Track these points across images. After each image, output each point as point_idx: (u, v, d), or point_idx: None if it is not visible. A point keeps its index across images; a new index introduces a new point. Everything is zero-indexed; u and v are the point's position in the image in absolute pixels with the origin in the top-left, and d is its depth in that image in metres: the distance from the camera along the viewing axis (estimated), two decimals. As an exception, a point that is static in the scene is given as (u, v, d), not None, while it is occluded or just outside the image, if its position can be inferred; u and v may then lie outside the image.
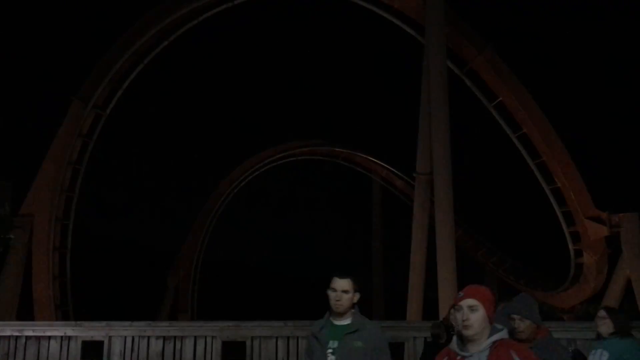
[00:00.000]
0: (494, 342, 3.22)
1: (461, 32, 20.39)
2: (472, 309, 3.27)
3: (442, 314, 14.57)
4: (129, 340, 9.68)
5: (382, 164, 32.52)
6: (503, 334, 3.29)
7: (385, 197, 33.65)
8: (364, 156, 32.50)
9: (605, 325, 5.21)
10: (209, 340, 9.57)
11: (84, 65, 22.21)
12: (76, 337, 9.78)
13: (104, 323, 9.86)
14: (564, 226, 20.81)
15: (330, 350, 3.97)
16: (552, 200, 20.68)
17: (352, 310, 4.14)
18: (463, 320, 3.27)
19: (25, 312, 18.75)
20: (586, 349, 8.25)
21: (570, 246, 21.10)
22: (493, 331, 3.27)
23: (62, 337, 9.82)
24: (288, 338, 9.42)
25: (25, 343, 9.86)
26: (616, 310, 5.82)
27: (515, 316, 4.50)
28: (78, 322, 10.33)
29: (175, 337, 9.63)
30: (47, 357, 9.73)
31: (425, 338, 9.26)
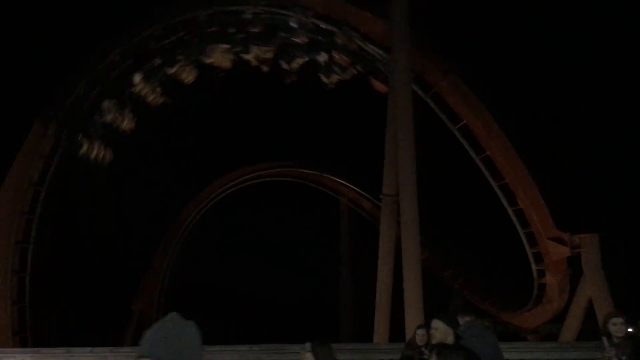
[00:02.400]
0: None
1: (426, 57, 20.79)
2: None
3: (409, 335, 14.59)
4: (89, 367, 9.43)
5: (349, 185, 32.71)
6: None
7: (352, 219, 33.78)
8: (332, 178, 32.65)
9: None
10: (172, 365, 9.35)
11: (46, 85, 21.88)
12: (34, 364, 9.48)
13: (63, 349, 9.60)
14: (527, 247, 21.17)
15: None
16: (515, 221, 21.05)
17: None
18: None
19: (-20, 339, 18.09)
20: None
21: (533, 266, 21.46)
22: None
23: (19, 364, 9.51)
24: (254, 362, 9.31)
25: (-20, 371, 9.51)
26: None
27: None
28: (36, 349, 10.04)
29: (137, 363, 9.39)
30: (3, 386, 9.40)
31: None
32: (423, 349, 7.65)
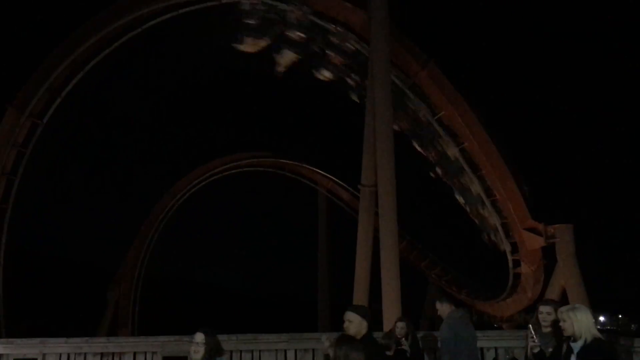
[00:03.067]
0: None
1: (405, 48, 20.81)
2: None
3: (387, 325, 14.68)
4: (64, 357, 9.30)
5: (327, 175, 32.72)
6: None
7: (330, 209, 33.81)
8: (310, 168, 32.61)
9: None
10: (149, 356, 9.31)
11: (21, 73, 21.44)
12: (8, 354, 9.32)
13: (37, 340, 9.44)
14: (502, 237, 21.41)
15: None
16: (492, 211, 21.27)
17: None
18: None
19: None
20: (522, 357, 8.49)
21: (509, 256, 21.72)
22: None
23: (-8, 355, 9.35)
24: (231, 352, 9.27)
25: (-49, 362, 9.34)
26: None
27: None
28: (10, 340, 9.86)
29: (113, 354, 9.31)
30: (-25, 377, 9.24)
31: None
32: (402, 340, 7.77)
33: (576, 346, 5.13)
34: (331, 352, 4.61)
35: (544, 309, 6.32)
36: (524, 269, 21.31)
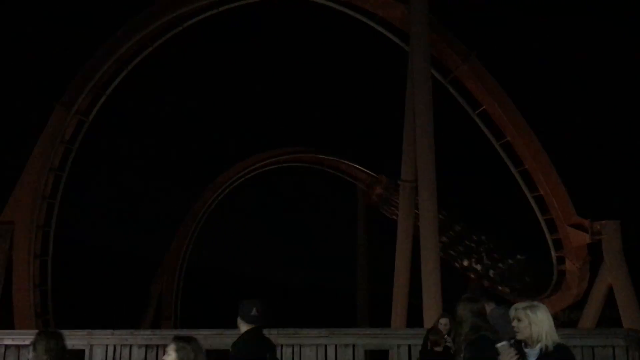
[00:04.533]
0: None
1: (445, 41, 20.54)
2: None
3: (427, 321, 14.58)
4: (110, 348, 9.55)
5: (366, 171, 32.62)
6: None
7: (369, 205, 33.72)
8: (349, 163, 32.58)
9: None
10: (192, 348, 9.46)
11: (67, 72, 22.03)
12: (57, 346, 9.61)
13: (85, 331, 9.72)
14: (546, 233, 20.98)
15: None
16: (534, 207, 20.85)
17: None
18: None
19: (4, 321, 18.44)
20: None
21: (553, 253, 21.26)
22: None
23: (42, 346, 9.65)
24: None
25: (5, 352, 9.69)
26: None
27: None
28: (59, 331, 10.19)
29: (158, 346, 9.52)
30: (27, 367, 9.57)
31: (409, 345, 9.25)
32: (446, 336, 7.73)
33: (532, 353, 4.28)
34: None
35: (443, 320, 6.24)
36: (569, 266, 20.82)
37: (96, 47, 21.23)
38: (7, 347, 9.73)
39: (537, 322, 4.23)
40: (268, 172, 32.29)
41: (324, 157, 32.35)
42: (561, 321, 23.32)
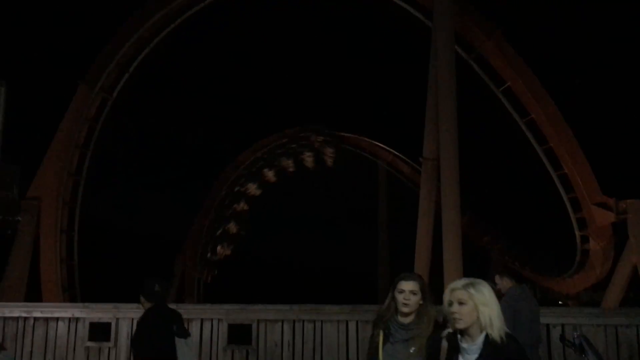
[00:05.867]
0: None
1: (470, 17, 20.22)
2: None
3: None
4: (136, 322, 9.73)
5: (388, 149, 32.47)
6: None
7: (391, 183, 33.62)
8: (370, 141, 32.45)
9: None
10: (215, 322, 9.62)
11: (91, 50, 22.21)
12: (84, 318, 9.85)
13: (111, 305, 9.92)
14: (570, 212, 20.74)
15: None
16: (559, 186, 20.61)
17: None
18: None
19: (33, 295, 18.91)
20: (591, 334, 8.28)
21: (577, 232, 21.04)
22: None
23: (69, 318, 9.90)
24: (294, 321, 9.46)
25: (34, 324, 9.94)
26: None
27: None
28: (86, 304, 10.41)
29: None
30: (55, 338, 9.82)
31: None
32: None
33: (472, 348, 3.10)
34: None
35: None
36: (593, 245, 20.60)
37: (119, 24, 21.33)
38: (35, 319, 9.99)
39: (485, 303, 3.07)
40: (289, 151, 32.27)
41: (344, 134, 32.26)
42: (583, 301, 23.18)
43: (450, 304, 3.18)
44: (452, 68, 17.24)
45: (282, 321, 9.48)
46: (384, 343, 3.86)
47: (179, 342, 5.33)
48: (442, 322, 3.73)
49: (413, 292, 3.94)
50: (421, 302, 3.96)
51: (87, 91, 20.77)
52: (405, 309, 3.88)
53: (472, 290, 3.13)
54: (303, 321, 9.45)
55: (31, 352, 9.81)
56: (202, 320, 9.65)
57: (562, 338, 7.53)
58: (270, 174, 32.74)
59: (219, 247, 32.22)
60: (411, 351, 3.74)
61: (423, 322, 3.85)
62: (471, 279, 3.23)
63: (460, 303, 3.12)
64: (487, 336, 3.06)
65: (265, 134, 32.32)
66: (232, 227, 32.64)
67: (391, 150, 32.37)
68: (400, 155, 31.98)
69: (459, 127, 16.86)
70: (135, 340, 5.71)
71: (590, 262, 21.24)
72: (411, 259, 19.35)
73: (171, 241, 31.91)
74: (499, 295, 7.21)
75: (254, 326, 9.49)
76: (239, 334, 9.81)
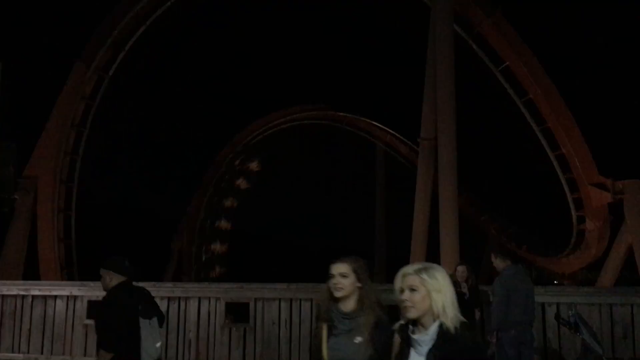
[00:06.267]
0: None
1: (469, -4, 20.04)
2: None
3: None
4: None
5: (386, 128, 32.37)
6: None
7: (388, 163, 33.58)
8: (368, 121, 32.32)
9: None
10: (212, 301, 9.68)
11: (86, 28, 21.98)
12: (82, 296, 9.90)
13: (109, 283, 9.95)
14: (567, 192, 20.81)
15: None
16: (556, 166, 20.64)
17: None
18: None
19: (31, 273, 18.96)
20: (586, 313, 8.35)
21: (573, 212, 21.14)
22: None
23: (68, 296, 9.95)
24: (291, 300, 9.52)
25: (32, 302, 10.00)
26: None
27: None
28: (84, 282, 10.45)
29: (179, 298, 9.74)
30: (53, 316, 9.88)
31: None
32: (462, 283, 7.89)
33: (424, 339, 2.79)
34: None
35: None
36: (589, 225, 20.70)
37: (116, 2, 21.10)
38: (34, 297, 10.05)
39: (438, 290, 2.79)
40: (286, 130, 32.17)
41: (342, 114, 32.12)
42: (578, 281, 23.36)
43: (402, 290, 2.84)
44: (450, 47, 17.12)
45: (280, 300, 9.54)
46: (328, 337, 3.52)
47: (143, 322, 5.11)
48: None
49: (343, 275, 3.62)
50: (359, 284, 3.61)
51: (84, 69, 20.61)
52: (337, 294, 3.57)
53: (424, 276, 2.82)
54: (300, 300, 9.50)
55: (30, 329, 9.88)
56: (199, 299, 9.71)
57: (557, 317, 7.59)
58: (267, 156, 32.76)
59: (217, 223, 32.33)
60: (356, 342, 3.41)
61: (366, 308, 3.52)
62: (425, 263, 2.93)
63: (412, 289, 2.80)
64: (440, 325, 2.77)
65: (262, 114, 32.16)
66: (231, 202, 32.74)
67: (389, 130, 32.27)
68: (398, 135, 31.89)
69: (456, 107, 16.81)
70: (101, 330, 5.21)
71: (586, 242, 21.37)
72: (408, 238, 19.42)
73: (169, 219, 31.96)
74: (476, 277, 7.30)
75: (252, 304, 9.55)
76: (237, 313, 9.89)
